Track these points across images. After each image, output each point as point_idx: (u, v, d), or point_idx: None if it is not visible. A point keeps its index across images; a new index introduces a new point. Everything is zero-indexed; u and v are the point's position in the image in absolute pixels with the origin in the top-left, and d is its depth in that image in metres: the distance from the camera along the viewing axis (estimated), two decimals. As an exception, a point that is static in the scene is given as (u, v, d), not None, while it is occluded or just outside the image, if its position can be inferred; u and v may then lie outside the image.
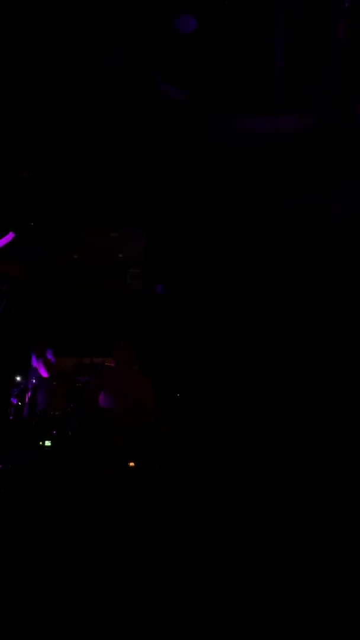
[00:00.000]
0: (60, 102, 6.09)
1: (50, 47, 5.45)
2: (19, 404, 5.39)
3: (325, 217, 6.36)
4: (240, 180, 6.40)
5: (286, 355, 6.18)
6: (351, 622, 2.72)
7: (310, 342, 6.23)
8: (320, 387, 6.03)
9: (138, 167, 6.62)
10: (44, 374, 5.68)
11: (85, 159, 6.66)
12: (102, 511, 3.75)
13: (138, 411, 4.85)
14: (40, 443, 4.82)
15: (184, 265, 6.67)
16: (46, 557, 3.17)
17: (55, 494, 4.06)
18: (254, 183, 6.40)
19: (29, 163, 6.68)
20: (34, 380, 5.42)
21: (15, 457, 4.67)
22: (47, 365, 5.72)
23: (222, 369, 6.22)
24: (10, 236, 5.13)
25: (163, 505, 3.98)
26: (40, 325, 6.06)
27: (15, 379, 5.59)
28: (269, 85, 5.73)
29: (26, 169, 6.72)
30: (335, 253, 6.31)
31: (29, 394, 5.38)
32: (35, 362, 5.74)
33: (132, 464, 4.50)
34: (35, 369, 5.73)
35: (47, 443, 4.82)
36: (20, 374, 5.61)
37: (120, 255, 7.64)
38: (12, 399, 5.41)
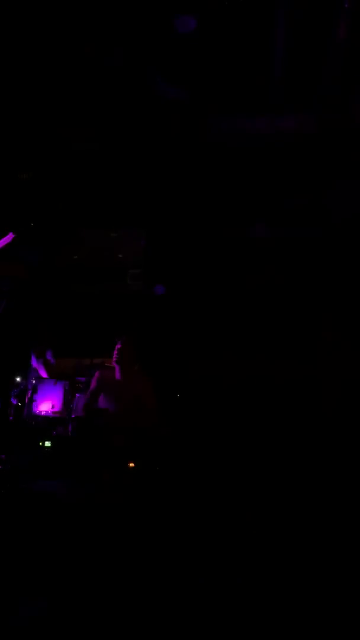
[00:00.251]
0: (60, 102, 6.09)
1: (50, 47, 5.45)
2: (19, 404, 5.38)
3: (325, 217, 6.36)
4: (240, 180, 6.40)
5: (286, 355, 6.18)
6: (351, 622, 2.72)
7: (310, 342, 6.23)
8: (320, 387, 6.03)
9: (138, 168, 6.61)
10: (44, 374, 5.67)
11: (85, 159, 6.65)
12: (101, 511, 3.75)
13: (138, 411, 4.85)
14: (40, 443, 4.81)
15: (184, 266, 6.67)
16: (46, 557, 3.16)
17: (55, 495, 4.05)
18: (254, 183, 6.39)
19: (28, 163, 6.68)
20: (33, 381, 5.41)
21: (15, 457, 4.66)
22: (47, 365, 5.71)
23: (222, 369, 6.22)
24: (9, 237, 5.12)
25: (163, 505, 3.97)
26: (40, 326, 6.06)
27: (15, 380, 5.59)
28: (268, 85, 5.73)
29: (26, 170, 6.72)
30: (335, 253, 6.31)
31: (29, 394, 5.37)
32: (35, 363, 5.73)
33: (132, 464, 4.49)
34: (35, 370, 5.73)
35: (47, 443, 4.81)
36: (20, 375, 5.61)
37: (120, 256, 7.62)
38: (12, 400, 5.41)
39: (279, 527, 3.75)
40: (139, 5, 5.11)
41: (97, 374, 5.17)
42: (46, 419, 5.26)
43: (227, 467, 4.90)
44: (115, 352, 4.98)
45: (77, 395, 5.42)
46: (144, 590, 2.91)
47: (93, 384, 5.13)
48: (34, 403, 5.32)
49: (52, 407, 5.29)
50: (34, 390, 5.35)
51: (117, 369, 5.02)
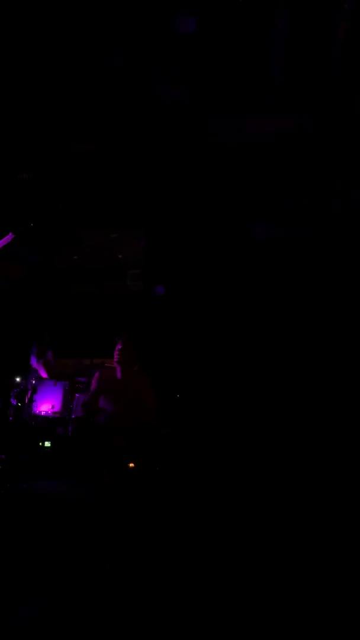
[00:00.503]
0: (60, 102, 6.09)
1: (50, 47, 5.45)
2: (19, 404, 5.37)
3: (325, 217, 6.36)
4: (240, 180, 6.40)
5: (286, 355, 6.18)
6: (351, 621, 2.71)
7: (310, 342, 6.23)
8: (320, 387, 6.03)
9: (138, 168, 6.61)
10: (44, 374, 5.66)
11: (84, 159, 6.65)
12: (101, 511, 3.74)
13: (138, 411, 4.84)
14: (40, 443, 4.81)
15: (184, 266, 6.67)
16: (46, 557, 3.16)
17: (55, 494, 4.05)
18: (253, 183, 6.39)
19: (28, 164, 6.68)
20: (33, 381, 5.40)
21: (16, 457, 4.66)
22: (47, 366, 5.70)
23: (222, 369, 6.22)
24: (9, 237, 5.11)
25: (163, 505, 3.97)
26: (40, 326, 6.05)
27: (15, 380, 5.58)
28: (268, 85, 5.73)
29: (26, 170, 6.72)
30: (335, 253, 6.31)
31: (29, 394, 5.37)
32: (35, 363, 5.73)
33: (132, 464, 4.49)
34: (35, 370, 5.72)
35: (47, 444, 4.81)
36: (20, 375, 5.60)
37: (120, 256, 7.62)
38: (12, 400, 5.40)
39: (279, 525, 3.75)
40: (139, 5, 5.11)
41: (97, 374, 5.17)
42: (46, 419, 5.25)
43: (227, 466, 4.90)
44: (117, 352, 4.98)
45: (77, 395, 5.42)
46: (143, 589, 2.90)
47: (93, 384, 5.13)
48: (33, 403, 5.31)
49: (52, 407, 5.29)
50: (34, 390, 5.34)
51: (119, 369, 5.02)
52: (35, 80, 5.79)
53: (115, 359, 5.00)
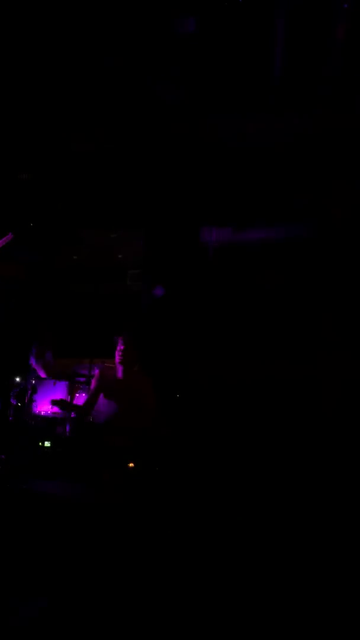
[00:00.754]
0: (59, 102, 6.09)
1: (49, 47, 5.45)
2: (19, 404, 5.37)
3: (325, 217, 6.36)
4: (240, 180, 6.40)
5: (286, 355, 6.18)
6: (351, 621, 2.71)
7: (310, 342, 6.23)
8: (320, 387, 6.03)
9: (138, 168, 6.62)
10: (43, 374, 5.66)
11: (84, 159, 6.66)
12: (101, 512, 3.74)
13: (138, 411, 4.84)
14: (40, 443, 4.81)
15: (184, 266, 6.67)
16: (46, 558, 3.15)
17: (55, 494, 4.05)
18: (253, 183, 6.40)
19: (28, 164, 6.68)
20: (33, 381, 5.40)
21: (15, 457, 4.66)
22: (47, 365, 5.70)
23: (222, 369, 6.22)
24: (8, 237, 5.11)
25: (163, 506, 3.97)
26: (39, 326, 6.05)
27: (15, 380, 5.58)
28: (268, 85, 5.73)
29: (25, 170, 6.72)
30: (335, 253, 6.31)
31: (29, 394, 5.36)
32: (34, 363, 5.73)
33: (132, 464, 4.49)
34: (35, 370, 5.72)
35: (47, 443, 4.81)
36: (19, 375, 5.60)
37: (120, 256, 7.63)
38: (11, 400, 5.40)
39: (279, 526, 3.75)
40: (139, 6, 5.11)
41: (97, 374, 5.17)
42: (46, 419, 5.25)
43: (228, 466, 4.90)
44: (118, 352, 4.97)
45: (77, 395, 5.42)
46: (143, 590, 2.90)
47: (93, 383, 5.13)
48: (33, 403, 5.31)
49: (52, 407, 5.28)
50: (34, 390, 5.34)
51: (119, 369, 5.02)
52: (35, 80, 5.79)
53: (116, 360, 4.99)
